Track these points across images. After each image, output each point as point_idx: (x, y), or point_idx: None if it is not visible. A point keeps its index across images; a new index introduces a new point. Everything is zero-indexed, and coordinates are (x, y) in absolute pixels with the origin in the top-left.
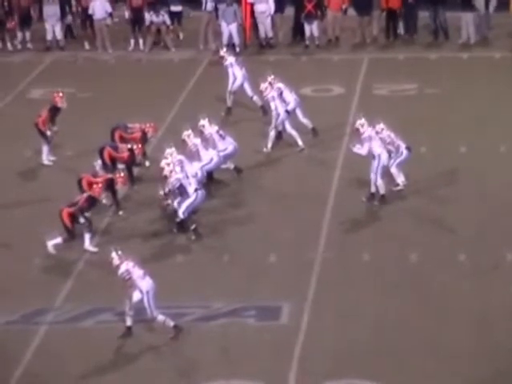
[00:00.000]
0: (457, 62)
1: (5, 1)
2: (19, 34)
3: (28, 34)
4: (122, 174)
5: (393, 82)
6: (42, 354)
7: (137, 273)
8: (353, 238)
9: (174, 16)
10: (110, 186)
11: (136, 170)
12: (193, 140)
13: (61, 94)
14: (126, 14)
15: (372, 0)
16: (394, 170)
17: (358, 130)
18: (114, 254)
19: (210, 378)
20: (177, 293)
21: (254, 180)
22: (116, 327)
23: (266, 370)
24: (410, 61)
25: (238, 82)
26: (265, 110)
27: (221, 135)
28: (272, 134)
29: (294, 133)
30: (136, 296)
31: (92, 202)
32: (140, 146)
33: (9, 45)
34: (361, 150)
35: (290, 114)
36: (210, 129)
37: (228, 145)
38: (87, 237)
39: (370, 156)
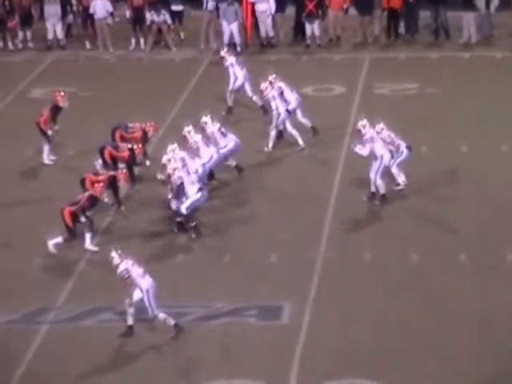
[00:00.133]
0: (458, 61)
1: (6, 0)
2: (20, 34)
3: (29, 34)
4: (124, 171)
5: (394, 82)
6: (43, 354)
7: (136, 271)
8: (354, 237)
9: (175, 15)
10: (112, 183)
11: (137, 170)
12: (194, 137)
13: (62, 93)
14: (127, 14)
15: None
16: (394, 169)
17: (359, 131)
18: (113, 253)
19: (211, 378)
20: (178, 292)
21: (255, 180)
22: (117, 327)
23: (267, 369)
24: (411, 60)
25: (238, 82)
26: (265, 109)
27: (222, 133)
28: (273, 133)
29: (294, 132)
30: (136, 295)
31: (93, 201)
32: (140, 145)
33: (10, 44)
34: (362, 150)
35: (290, 113)
36: (212, 127)
37: (229, 141)
38: (88, 236)
39: (372, 157)
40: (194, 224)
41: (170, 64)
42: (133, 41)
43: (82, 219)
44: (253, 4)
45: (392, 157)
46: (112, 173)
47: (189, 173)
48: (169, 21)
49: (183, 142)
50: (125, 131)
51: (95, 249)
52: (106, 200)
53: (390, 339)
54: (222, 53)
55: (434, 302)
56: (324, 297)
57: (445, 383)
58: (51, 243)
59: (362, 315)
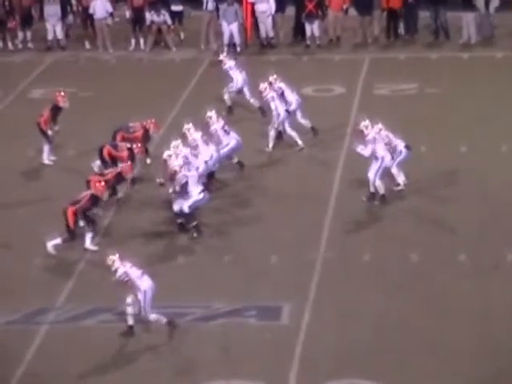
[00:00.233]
0: (457, 61)
1: (6, 0)
2: (20, 34)
3: (29, 34)
4: (129, 163)
5: (394, 82)
6: (43, 354)
7: (135, 273)
8: (354, 238)
9: (175, 16)
10: (120, 179)
11: (136, 170)
12: (193, 134)
13: (63, 94)
14: (127, 14)
15: (373, 0)
16: (394, 170)
17: (362, 131)
18: (112, 257)
19: (210, 378)
20: (177, 292)
21: (255, 180)
22: (117, 327)
23: (266, 369)
24: (411, 61)
25: (238, 85)
26: (263, 111)
27: (225, 130)
28: (272, 133)
29: (293, 133)
30: (139, 295)
31: (95, 200)
32: (140, 144)
33: (10, 44)
34: (364, 150)
35: (290, 114)
36: (216, 123)
37: (230, 140)
38: (89, 236)
39: (373, 157)
40: (195, 223)
41: (170, 64)
42: (133, 41)
43: (81, 223)
44: (253, 4)
45: (392, 158)
46: (118, 170)
47: (192, 171)
48: (169, 21)
49: (183, 140)
50: (126, 132)
51: (95, 248)
52: (106, 198)
53: (390, 339)
54: (221, 56)
55: (434, 302)
56: (324, 297)
57: (445, 383)
58: (50, 244)
59: (362, 315)
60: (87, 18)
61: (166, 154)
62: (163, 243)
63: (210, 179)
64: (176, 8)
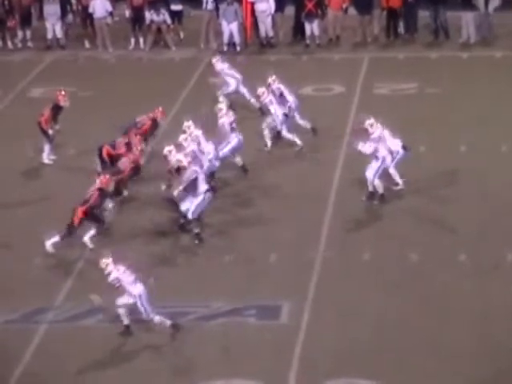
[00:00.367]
0: (457, 61)
1: None
2: (20, 33)
3: (28, 33)
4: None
5: (393, 82)
6: (42, 353)
7: (127, 279)
8: (353, 237)
9: (175, 15)
10: (137, 172)
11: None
12: (193, 132)
13: (63, 93)
14: (127, 13)
15: None
16: (392, 170)
17: (366, 129)
18: (105, 260)
19: (210, 378)
20: (177, 292)
21: (255, 180)
22: (116, 327)
23: (266, 369)
24: (411, 60)
25: (231, 88)
26: (263, 111)
27: (232, 127)
28: (266, 132)
29: (289, 136)
30: (127, 299)
31: (103, 194)
32: (140, 148)
33: (9, 43)
34: (365, 148)
35: (288, 117)
36: (225, 117)
37: (232, 139)
38: (91, 232)
39: (373, 156)
40: (197, 231)
41: (170, 63)
42: (132, 40)
43: (93, 220)
44: (252, 4)
45: (392, 159)
46: (132, 165)
47: (202, 167)
48: (168, 20)
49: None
50: (136, 128)
51: (91, 246)
52: (111, 189)
53: (390, 339)
54: (213, 60)
55: (434, 302)
56: (323, 296)
57: (445, 383)
58: (49, 243)
59: (362, 315)
60: (87, 17)
61: (166, 150)
62: (164, 243)
63: (210, 179)
64: (176, 7)
